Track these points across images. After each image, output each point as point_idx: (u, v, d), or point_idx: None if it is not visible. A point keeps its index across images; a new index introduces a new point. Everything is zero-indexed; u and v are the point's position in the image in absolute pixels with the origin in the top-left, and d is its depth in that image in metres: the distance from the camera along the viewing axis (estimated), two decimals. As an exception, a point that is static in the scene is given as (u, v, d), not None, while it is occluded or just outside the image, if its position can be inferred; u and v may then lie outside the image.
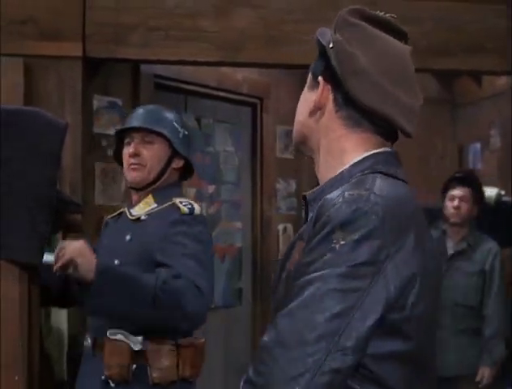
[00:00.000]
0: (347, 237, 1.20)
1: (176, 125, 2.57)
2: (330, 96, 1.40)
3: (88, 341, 2.48)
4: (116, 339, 2.39)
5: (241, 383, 1.23)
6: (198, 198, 4.12)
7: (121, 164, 2.59)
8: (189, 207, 2.47)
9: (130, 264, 2.39)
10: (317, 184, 1.46)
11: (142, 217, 2.47)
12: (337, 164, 1.39)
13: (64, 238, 2.94)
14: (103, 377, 2.39)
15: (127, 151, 2.53)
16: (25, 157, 1.94)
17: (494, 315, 3.87)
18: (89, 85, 3.29)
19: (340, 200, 1.24)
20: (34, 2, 3.10)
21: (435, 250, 1.36)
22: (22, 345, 2.00)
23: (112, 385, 2.40)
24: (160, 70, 3.79)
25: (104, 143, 3.44)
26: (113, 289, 2.24)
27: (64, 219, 2.55)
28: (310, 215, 1.35)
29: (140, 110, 2.61)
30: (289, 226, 4.82)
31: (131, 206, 2.57)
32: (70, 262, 2.23)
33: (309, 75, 1.48)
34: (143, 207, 2.51)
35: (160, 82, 3.87)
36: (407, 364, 1.25)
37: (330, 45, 1.39)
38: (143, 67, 3.66)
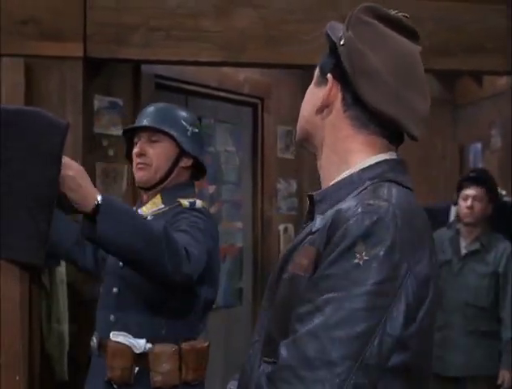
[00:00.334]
0: (370, 251, 1.19)
1: (184, 123, 2.54)
2: (339, 95, 1.38)
3: (94, 341, 2.48)
4: (118, 342, 2.38)
5: None
6: (199, 198, 4.11)
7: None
8: (191, 201, 2.47)
9: None
10: (319, 182, 1.46)
11: (148, 218, 2.46)
12: (341, 164, 1.38)
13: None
14: (105, 378, 2.39)
15: (135, 150, 2.53)
16: (26, 157, 1.94)
17: (510, 317, 3.86)
18: (90, 85, 3.30)
19: (359, 211, 1.23)
20: (35, 2, 3.10)
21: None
22: (23, 345, 2.00)
23: (115, 387, 2.40)
24: (160, 70, 3.80)
25: (104, 143, 3.44)
26: (117, 218, 2.06)
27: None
28: (319, 217, 1.33)
29: (149, 109, 2.58)
30: (290, 226, 4.82)
31: (140, 205, 2.56)
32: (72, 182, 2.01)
33: (317, 71, 1.45)
34: (150, 208, 2.51)
35: (161, 82, 3.87)
36: (406, 376, 1.25)
37: (341, 42, 1.36)
38: (144, 67, 3.66)
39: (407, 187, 1.35)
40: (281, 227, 4.78)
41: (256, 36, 3.30)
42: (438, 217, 4.03)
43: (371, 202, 1.24)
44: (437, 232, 3.89)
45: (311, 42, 3.25)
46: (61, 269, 2.95)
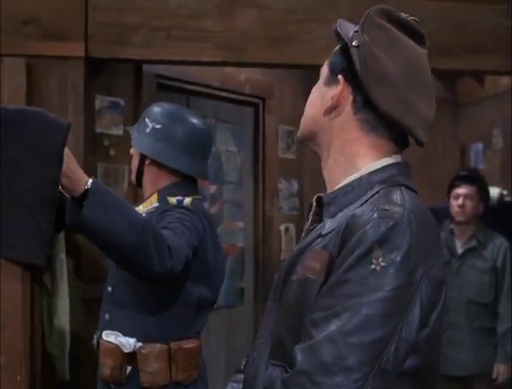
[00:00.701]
0: (387, 257, 1.19)
1: (146, 120, 2.53)
2: (350, 97, 1.37)
3: (94, 340, 2.50)
4: (109, 341, 2.39)
5: None
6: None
7: None
8: (179, 199, 2.45)
9: None
10: (321, 182, 1.45)
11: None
12: (348, 166, 1.37)
13: (67, 238, 2.95)
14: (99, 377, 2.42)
15: None
16: (27, 157, 1.94)
17: (507, 312, 3.87)
18: (91, 85, 3.30)
19: (375, 216, 1.23)
20: (36, 2, 3.10)
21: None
22: (24, 345, 2.00)
23: (111, 386, 2.41)
24: (162, 70, 3.80)
25: (106, 142, 3.44)
26: (106, 201, 2.04)
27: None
28: (329, 220, 1.33)
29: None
30: (291, 226, 4.82)
31: (139, 204, 2.59)
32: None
33: (326, 69, 1.43)
34: (146, 206, 2.53)
35: (163, 82, 3.87)
36: (417, 379, 1.25)
37: (354, 43, 1.34)
38: (145, 67, 3.66)
39: (413, 190, 1.35)
40: (282, 227, 4.77)
41: (257, 36, 3.30)
42: (439, 217, 4.02)
43: (386, 207, 1.24)
44: None
45: (312, 42, 3.25)
46: (63, 268, 2.95)
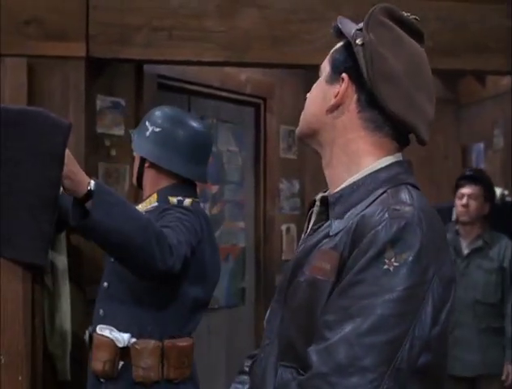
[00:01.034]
0: (400, 257, 1.19)
1: (147, 123, 2.56)
2: (354, 96, 1.36)
3: (86, 335, 2.52)
4: (103, 335, 2.40)
5: None
6: (202, 198, 4.11)
7: None
8: (179, 199, 2.48)
9: None
10: (322, 182, 1.44)
11: None
12: (352, 165, 1.36)
13: (68, 238, 2.95)
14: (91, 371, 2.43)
15: None
16: (28, 157, 1.94)
17: None
18: (92, 85, 3.29)
19: (386, 216, 1.23)
20: (37, 2, 3.10)
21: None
22: (25, 345, 2.00)
23: (101, 380, 2.42)
24: (163, 70, 3.80)
25: (107, 143, 3.44)
26: (109, 201, 2.06)
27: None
28: (336, 220, 1.32)
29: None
30: (292, 226, 4.82)
31: (139, 203, 2.60)
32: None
33: (327, 66, 1.42)
34: (145, 205, 2.54)
35: (164, 82, 3.87)
36: (426, 377, 1.25)
37: (358, 41, 1.33)
38: (147, 67, 3.66)
39: (418, 188, 1.35)
40: (284, 227, 4.77)
41: (259, 36, 3.30)
42: (441, 217, 4.02)
43: (397, 207, 1.24)
44: None
45: (314, 42, 3.25)
46: (65, 268, 2.95)
